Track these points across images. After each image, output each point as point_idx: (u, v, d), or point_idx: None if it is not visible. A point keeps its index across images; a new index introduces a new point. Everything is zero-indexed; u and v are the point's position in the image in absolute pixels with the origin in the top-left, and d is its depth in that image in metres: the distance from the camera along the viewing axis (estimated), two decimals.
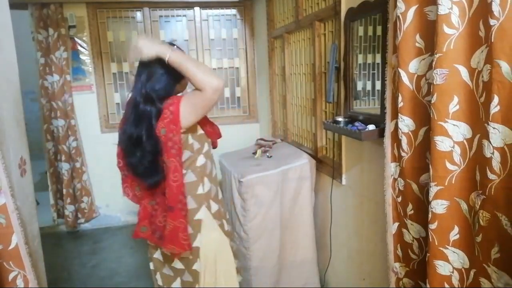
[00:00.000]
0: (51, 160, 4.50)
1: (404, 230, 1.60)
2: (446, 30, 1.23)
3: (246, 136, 4.57)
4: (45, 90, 4.33)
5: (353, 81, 2.33)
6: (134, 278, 3.49)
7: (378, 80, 2.09)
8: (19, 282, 1.68)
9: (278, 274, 2.91)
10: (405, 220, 1.57)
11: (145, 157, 1.75)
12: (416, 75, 1.45)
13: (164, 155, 1.73)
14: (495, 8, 1.07)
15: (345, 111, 2.42)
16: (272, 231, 2.82)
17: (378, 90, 2.08)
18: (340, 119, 2.33)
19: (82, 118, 4.50)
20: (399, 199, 1.60)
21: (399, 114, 1.50)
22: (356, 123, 2.15)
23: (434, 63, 1.27)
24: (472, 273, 1.28)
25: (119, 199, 4.64)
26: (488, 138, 1.11)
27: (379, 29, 2.01)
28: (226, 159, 3.27)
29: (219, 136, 2.03)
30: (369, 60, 2.21)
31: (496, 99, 1.08)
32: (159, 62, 1.71)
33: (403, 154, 1.51)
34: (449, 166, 1.29)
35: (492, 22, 1.08)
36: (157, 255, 1.96)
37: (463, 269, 1.32)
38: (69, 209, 4.47)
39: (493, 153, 1.10)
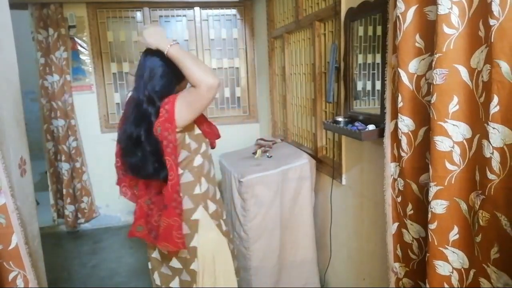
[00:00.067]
0: (51, 160, 4.50)
1: (403, 230, 1.60)
2: (446, 30, 1.23)
3: (246, 136, 4.57)
4: (45, 90, 4.33)
5: (353, 81, 2.33)
6: (134, 278, 3.49)
7: (378, 80, 2.09)
8: (19, 282, 1.68)
9: (278, 274, 2.91)
10: (404, 220, 1.57)
11: (144, 156, 1.75)
12: (416, 75, 1.45)
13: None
14: (495, 8, 1.07)
15: (345, 111, 2.42)
16: (272, 231, 2.82)
17: (378, 90, 2.08)
18: (340, 119, 2.33)
19: (82, 118, 4.50)
20: (399, 199, 1.60)
21: (399, 114, 1.50)
22: (356, 123, 2.15)
23: (434, 63, 1.27)
24: (471, 273, 1.28)
25: (119, 199, 4.66)
26: (487, 138, 1.11)
27: (379, 29, 2.01)
28: (226, 159, 3.27)
29: (218, 136, 2.03)
30: (369, 60, 2.21)
31: (495, 99, 1.08)
32: (160, 57, 1.71)
33: (403, 154, 1.51)
34: (449, 166, 1.29)
35: (492, 22, 1.08)
36: (155, 254, 1.96)
37: (462, 269, 1.32)
38: (69, 209, 4.47)
39: (492, 153, 1.10)
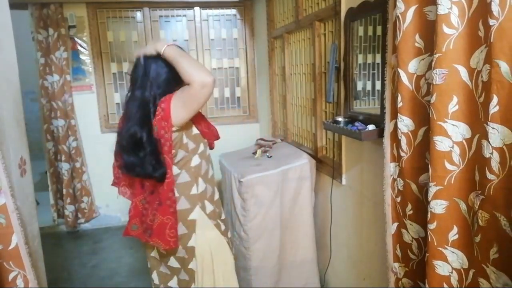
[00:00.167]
0: (51, 160, 4.50)
1: (403, 230, 1.60)
2: (446, 30, 1.23)
3: (246, 136, 4.57)
4: (45, 90, 4.34)
5: (353, 81, 2.33)
6: (134, 278, 3.50)
7: (378, 80, 2.09)
8: (19, 282, 1.68)
9: (278, 274, 2.91)
10: (404, 220, 1.57)
11: (143, 155, 1.75)
12: (415, 75, 1.45)
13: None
14: (495, 8, 1.07)
15: (345, 111, 2.42)
16: (272, 231, 2.82)
17: (378, 90, 2.08)
18: (340, 119, 2.33)
19: (82, 118, 4.50)
20: (399, 199, 1.59)
21: (398, 114, 1.50)
22: (356, 123, 2.15)
23: (433, 63, 1.27)
24: (471, 273, 1.28)
25: (119, 199, 4.66)
26: (487, 138, 1.11)
27: (379, 29, 2.01)
28: (226, 159, 3.27)
29: (217, 137, 2.03)
30: (369, 60, 2.21)
31: (495, 99, 1.08)
32: (158, 60, 1.74)
33: (402, 154, 1.51)
34: (448, 166, 1.29)
35: (491, 22, 1.08)
36: (154, 253, 1.96)
37: (462, 269, 1.32)
38: (69, 209, 4.47)
39: (492, 153, 1.10)
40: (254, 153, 3.27)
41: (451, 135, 1.27)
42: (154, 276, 2.00)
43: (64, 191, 4.44)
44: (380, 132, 1.89)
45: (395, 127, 1.56)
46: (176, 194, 1.83)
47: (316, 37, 2.87)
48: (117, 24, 4.58)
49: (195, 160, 1.87)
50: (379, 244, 2.14)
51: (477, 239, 1.19)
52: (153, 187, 1.82)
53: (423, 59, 1.42)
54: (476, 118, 1.20)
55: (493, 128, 1.09)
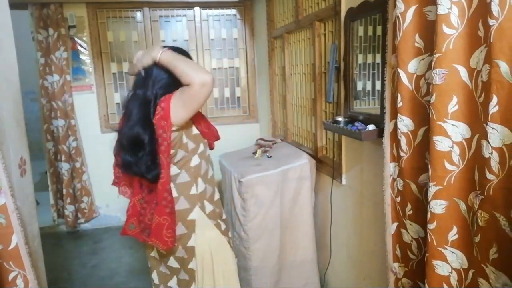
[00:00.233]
0: (51, 160, 4.51)
1: (403, 230, 1.60)
2: (446, 30, 1.23)
3: (246, 136, 4.57)
4: (45, 90, 4.34)
5: (353, 81, 2.33)
6: (134, 278, 3.50)
7: (378, 80, 2.09)
8: (19, 282, 1.68)
9: (278, 274, 2.92)
10: (404, 220, 1.57)
11: (141, 154, 1.75)
12: (415, 75, 1.45)
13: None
14: (494, 8, 1.07)
15: (345, 111, 2.42)
16: (272, 231, 2.82)
17: (378, 90, 2.08)
18: (340, 119, 2.33)
19: (82, 118, 4.50)
20: (398, 199, 1.59)
21: (398, 114, 1.50)
22: (356, 123, 2.15)
23: (433, 63, 1.27)
24: (470, 273, 1.28)
25: (119, 199, 4.66)
26: (486, 138, 1.11)
27: (379, 29, 2.01)
28: (226, 159, 3.27)
29: (217, 138, 2.03)
30: (369, 60, 2.21)
31: (495, 99, 1.08)
32: (157, 66, 1.74)
33: (402, 154, 1.51)
34: (448, 166, 1.29)
35: (491, 22, 1.08)
36: (154, 253, 1.96)
37: (461, 269, 1.32)
38: (69, 209, 4.47)
39: (491, 153, 1.10)
40: (254, 153, 3.27)
41: (451, 135, 1.27)
42: (154, 276, 2.00)
43: (64, 191, 4.44)
44: (380, 132, 1.89)
45: (395, 127, 1.55)
46: (176, 194, 1.83)
47: (316, 37, 2.87)
48: (117, 24, 4.58)
49: (195, 160, 1.86)
50: (379, 244, 2.14)
51: (477, 239, 1.19)
52: (151, 186, 1.82)
53: (423, 59, 1.42)
54: (476, 118, 1.20)
55: (492, 128, 1.09)
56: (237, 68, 4.92)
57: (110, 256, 3.96)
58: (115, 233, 4.55)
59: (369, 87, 2.25)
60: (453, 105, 1.26)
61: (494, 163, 1.10)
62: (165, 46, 1.85)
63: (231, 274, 2.03)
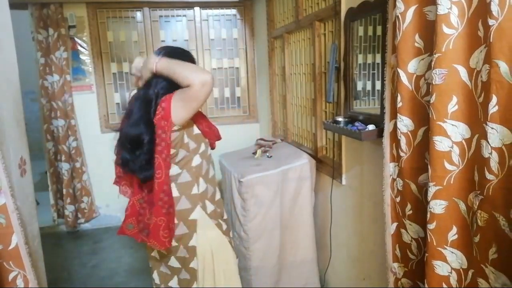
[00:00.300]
0: (51, 160, 4.51)
1: (402, 230, 1.60)
2: (446, 30, 1.23)
3: (246, 136, 4.57)
4: (45, 90, 4.34)
5: (353, 81, 2.33)
6: (134, 278, 3.50)
7: (378, 80, 2.09)
8: (19, 282, 1.68)
9: (278, 274, 2.92)
10: (403, 220, 1.57)
11: (139, 153, 1.77)
12: (415, 75, 1.45)
13: None
14: (494, 8, 1.07)
15: (345, 111, 2.42)
16: (272, 231, 2.82)
17: (378, 90, 2.08)
18: (340, 119, 2.33)
19: (82, 118, 4.50)
20: (398, 199, 1.60)
21: (398, 114, 1.50)
22: (356, 123, 2.15)
23: (433, 63, 1.27)
24: (470, 273, 1.28)
25: (119, 199, 4.66)
26: (486, 138, 1.11)
27: (379, 29, 2.01)
28: (226, 159, 3.27)
29: (218, 138, 2.03)
30: (369, 60, 2.21)
31: (494, 99, 1.08)
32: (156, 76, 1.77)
33: (402, 154, 1.51)
34: (448, 166, 1.29)
35: (491, 22, 1.08)
36: (154, 253, 1.96)
37: (461, 269, 1.32)
38: (69, 209, 4.47)
39: (491, 153, 1.10)
40: (254, 153, 3.28)
41: (451, 135, 1.27)
42: (155, 276, 2.00)
43: (64, 191, 4.44)
44: (380, 132, 1.89)
45: (395, 127, 1.56)
46: (177, 194, 1.84)
47: (316, 37, 2.87)
48: (117, 24, 4.58)
49: (196, 160, 1.87)
50: (379, 244, 2.14)
51: (476, 239, 1.19)
52: (151, 186, 1.82)
53: (422, 59, 1.42)
54: (476, 118, 1.20)
55: (492, 128, 1.09)
56: (237, 68, 4.92)
57: (110, 256, 3.96)
58: (115, 233, 4.49)
59: (369, 87, 2.25)
60: (453, 105, 1.26)
61: (494, 163, 1.10)
62: (163, 47, 1.89)
63: (232, 274, 2.03)
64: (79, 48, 4.44)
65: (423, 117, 1.43)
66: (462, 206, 1.29)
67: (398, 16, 1.44)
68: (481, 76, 1.16)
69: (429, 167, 1.33)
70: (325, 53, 2.85)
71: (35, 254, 1.92)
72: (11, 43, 1.94)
